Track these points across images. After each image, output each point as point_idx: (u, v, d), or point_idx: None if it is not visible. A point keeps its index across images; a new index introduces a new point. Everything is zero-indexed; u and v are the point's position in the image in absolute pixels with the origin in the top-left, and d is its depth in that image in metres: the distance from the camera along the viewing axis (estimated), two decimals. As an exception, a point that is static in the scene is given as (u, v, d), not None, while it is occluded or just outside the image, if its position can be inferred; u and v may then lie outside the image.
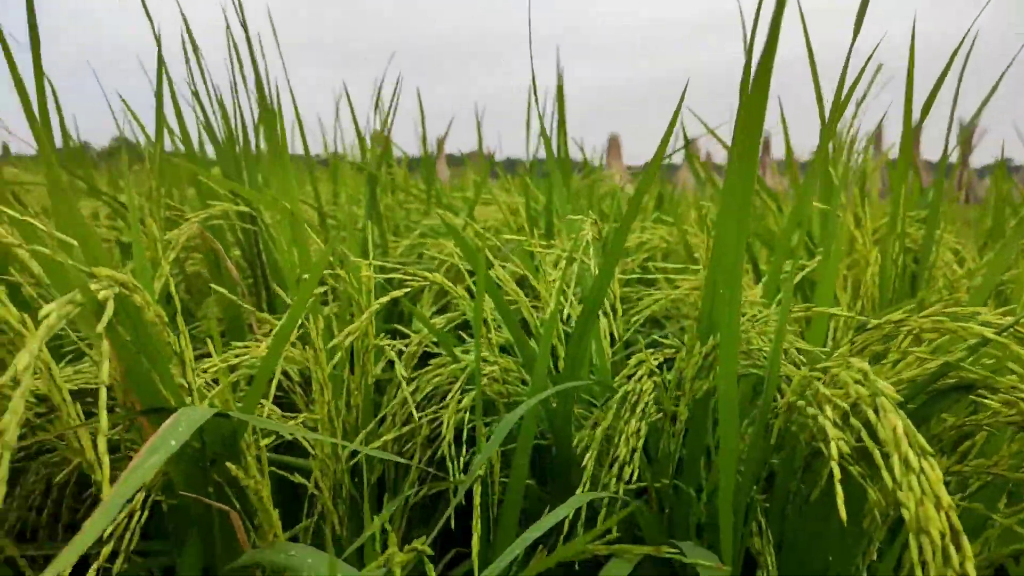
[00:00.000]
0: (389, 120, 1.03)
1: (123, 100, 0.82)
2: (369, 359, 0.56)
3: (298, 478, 0.51)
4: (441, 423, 0.57)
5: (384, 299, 0.53)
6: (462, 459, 0.52)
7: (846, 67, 0.48)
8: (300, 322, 0.51)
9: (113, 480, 0.50)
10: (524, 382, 0.59)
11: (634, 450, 0.47)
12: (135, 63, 0.83)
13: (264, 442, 0.43)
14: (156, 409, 0.40)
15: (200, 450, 0.42)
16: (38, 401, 0.45)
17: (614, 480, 0.46)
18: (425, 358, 0.62)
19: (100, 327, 0.32)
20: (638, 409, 0.48)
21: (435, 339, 0.60)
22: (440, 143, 1.68)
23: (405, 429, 0.55)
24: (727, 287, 0.39)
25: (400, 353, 0.60)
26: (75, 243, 0.38)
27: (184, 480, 0.42)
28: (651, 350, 0.52)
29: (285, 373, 0.59)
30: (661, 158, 0.45)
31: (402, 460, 0.49)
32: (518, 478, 0.50)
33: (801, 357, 0.47)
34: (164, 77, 0.68)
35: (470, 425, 0.54)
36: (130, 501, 0.42)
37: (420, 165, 1.17)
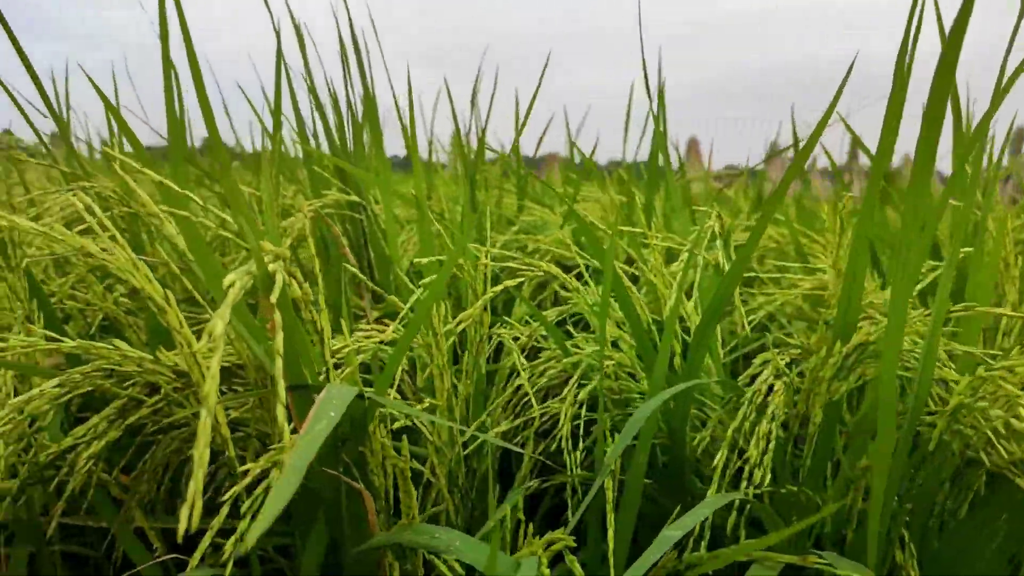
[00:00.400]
0: (485, 117, 1.04)
1: (246, 97, 0.84)
2: (482, 348, 0.55)
3: (416, 464, 0.51)
4: (550, 416, 0.57)
5: (498, 287, 0.53)
6: (578, 453, 0.51)
7: (1006, 59, 0.45)
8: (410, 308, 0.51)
9: (241, 460, 0.51)
10: (634, 376, 0.58)
11: (764, 452, 0.46)
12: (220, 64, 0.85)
13: (396, 425, 0.43)
14: (300, 386, 0.40)
15: (333, 430, 0.42)
16: (176, 376, 0.46)
17: (744, 483, 0.44)
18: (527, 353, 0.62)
19: (274, 297, 0.33)
20: (769, 410, 0.46)
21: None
22: (539, 140, 1.68)
23: (518, 421, 0.55)
24: (900, 289, 0.37)
25: (511, 341, 0.59)
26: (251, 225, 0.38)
27: (317, 459, 0.42)
28: (775, 350, 0.50)
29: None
30: (807, 156, 0.43)
31: (520, 450, 0.48)
32: (636, 476, 0.48)
33: (950, 362, 0.44)
34: (283, 71, 0.70)
35: (576, 420, 0.53)
36: (264, 478, 0.43)
37: (512, 163, 1.16)
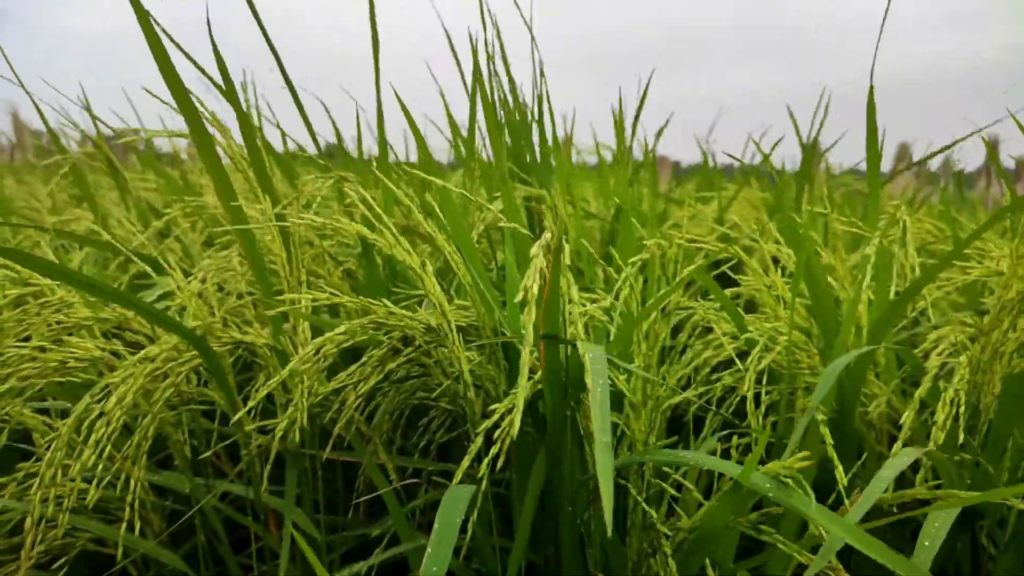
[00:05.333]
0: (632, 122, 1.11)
1: (401, 102, 0.94)
2: (668, 320, 0.62)
3: (615, 417, 0.59)
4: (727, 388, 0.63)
5: (692, 267, 0.59)
6: (760, 413, 0.57)
7: None
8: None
9: (484, 416, 0.60)
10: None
11: (947, 417, 0.50)
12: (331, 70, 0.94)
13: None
14: (551, 336, 0.48)
15: (564, 380, 0.50)
16: (427, 330, 0.55)
17: (932, 444, 0.49)
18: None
19: (540, 262, 0.41)
20: (955, 379, 0.51)
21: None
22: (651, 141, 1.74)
23: (702, 389, 0.62)
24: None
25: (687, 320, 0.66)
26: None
27: (551, 403, 0.50)
28: (955, 327, 0.54)
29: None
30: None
31: (708, 406, 0.55)
32: (814, 442, 0.54)
33: None
34: (480, 76, 0.79)
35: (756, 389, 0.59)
36: (498, 426, 0.51)
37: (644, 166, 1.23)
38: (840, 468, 0.41)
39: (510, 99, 0.86)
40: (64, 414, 0.64)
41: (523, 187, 0.91)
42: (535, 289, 0.36)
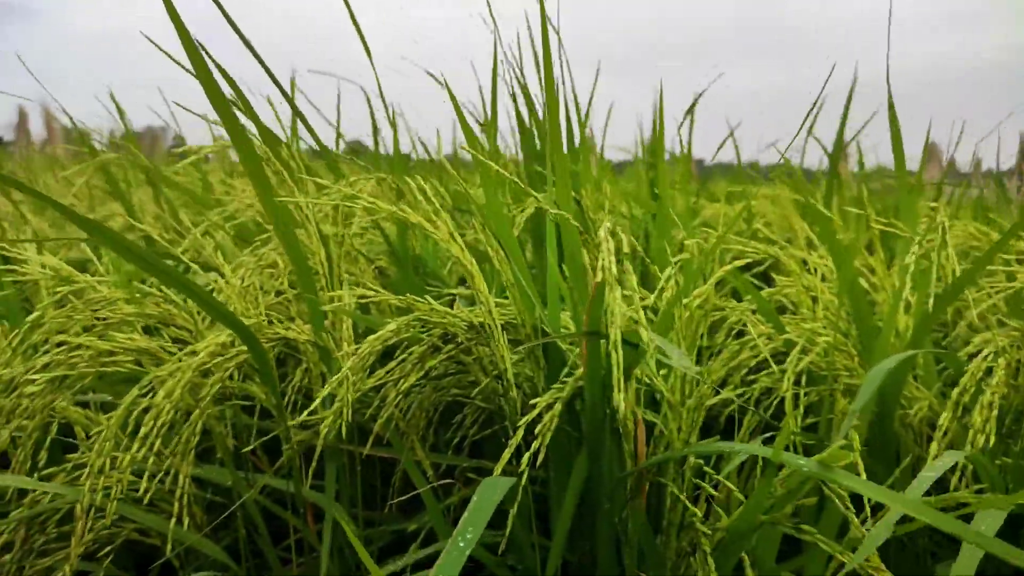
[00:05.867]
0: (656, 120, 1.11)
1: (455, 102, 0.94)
2: (704, 322, 0.63)
3: (651, 416, 0.59)
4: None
5: (727, 267, 0.60)
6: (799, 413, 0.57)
7: None
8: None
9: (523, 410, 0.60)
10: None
11: (986, 420, 0.50)
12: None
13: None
14: (594, 332, 0.48)
15: (605, 374, 0.50)
16: (468, 327, 0.56)
17: (969, 446, 0.49)
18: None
19: (608, 244, 0.41)
20: (993, 381, 0.50)
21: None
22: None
23: (740, 388, 0.62)
24: None
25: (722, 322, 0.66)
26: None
27: (591, 400, 0.51)
28: (995, 331, 0.54)
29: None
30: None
31: (746, 407, 0.55)
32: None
33: None
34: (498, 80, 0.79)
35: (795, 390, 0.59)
36: (537, 422, 0.51)
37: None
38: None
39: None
40: (103, 407, 0.65)
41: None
42: (614, 269, 0.36)
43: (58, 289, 0.54)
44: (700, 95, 1.02)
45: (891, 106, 0.69)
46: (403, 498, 0.60)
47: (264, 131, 0.56)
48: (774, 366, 0.62)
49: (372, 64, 0.69)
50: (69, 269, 0.54)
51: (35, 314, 0.53)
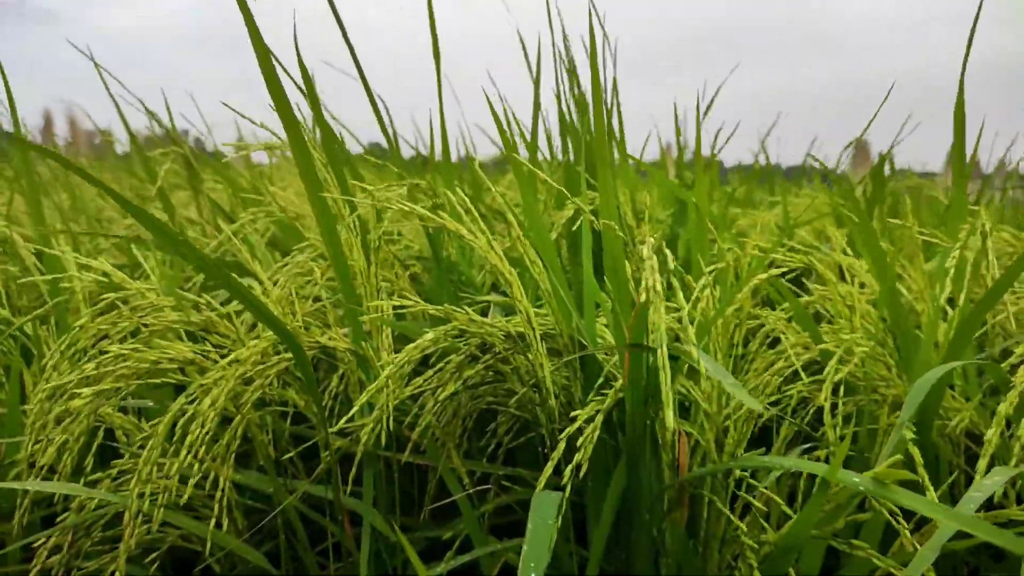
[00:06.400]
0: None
1: (505, 104, 0.95)
2: (740, 330, 0.62)
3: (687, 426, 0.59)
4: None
5: (763, 275, 0.59)
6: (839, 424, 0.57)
7: None
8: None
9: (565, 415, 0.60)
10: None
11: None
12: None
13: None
14: (637, 344, 0.48)
15: (645, 385, 0.51)
16: (505, 337, 0.56)
17: (1013, 460, 0.49)
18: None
19: (652, 262, 0.41)
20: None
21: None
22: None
23: (772, 397, 0.61)
24: None
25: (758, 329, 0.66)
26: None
27: (632, 412, 0.51)
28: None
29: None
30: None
31: (783, 417, 0.55)
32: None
33: None
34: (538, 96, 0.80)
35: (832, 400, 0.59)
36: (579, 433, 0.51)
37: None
38: (931, 489, 0.40)
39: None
40: (141, 412, 0.66)
41: (589, 191, 0.91)
42: (657, 285, 0.36)
43: (105, 296, 0.55)
44: (714, 95, 1.01)
45: (959, 103, 0.67)
46: (440, 503, 0.60)
47: (328, 134, 0.57)
48: (803, 375, 0.62)
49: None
50: (120, 275, 0.55)
51: (83, 319, 0.54)
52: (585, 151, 0.86)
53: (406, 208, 0.55)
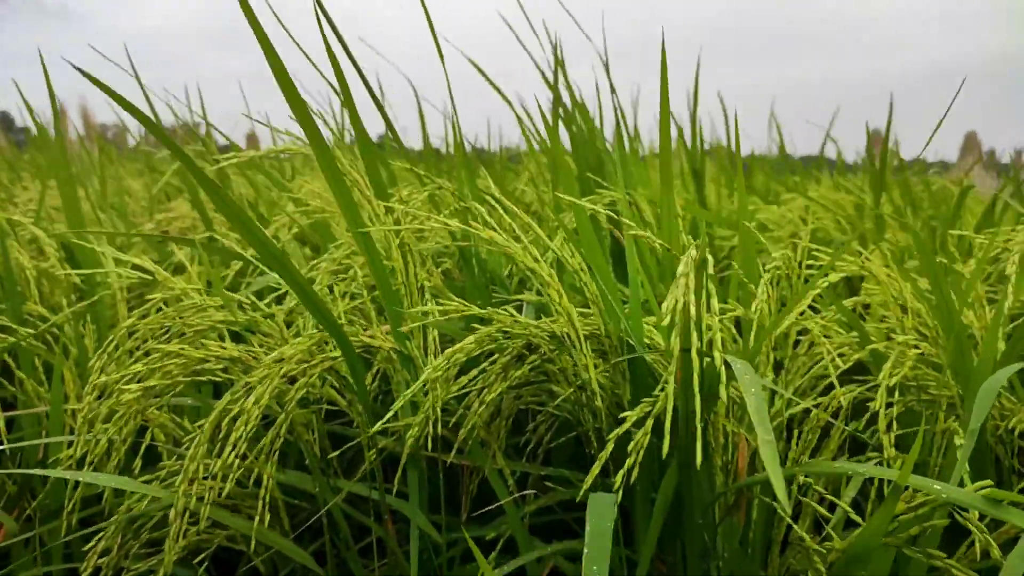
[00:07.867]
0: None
1: (523, 106, 0.94)
2: (789, 338, 0.61)
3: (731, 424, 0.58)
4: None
5: (822, 282, 0.58)
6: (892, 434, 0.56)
7: None
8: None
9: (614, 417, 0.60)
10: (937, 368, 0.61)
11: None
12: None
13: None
14: (687, 349, 0.47)
15: (699, 389, 0.50)
16: (550, 338, 0.55)
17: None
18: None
19: (689, 281, 0.40)
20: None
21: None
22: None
23: (823, 397, 0.60)
24: None
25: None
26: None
27: (685, 415, 0.50)
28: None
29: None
30: None
31: (817, 410, 0.54)
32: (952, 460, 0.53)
33: None
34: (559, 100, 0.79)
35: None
36: (629, 436, 0.51)
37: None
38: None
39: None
40: (176, 409, 0.66)
41: (605, 191, 0.90)
42: (679, 309, 0.36)
43: (150, 296, 0.55)
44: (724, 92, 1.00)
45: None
46: (485, 508, 0.60)
47: (365, 140, 0.56)
48: (834, 378, 0.60)
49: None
50: (164, 274, 0.55)
51: (130, 320, 0.53)
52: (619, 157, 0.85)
53: (441, 224, 0.55)
